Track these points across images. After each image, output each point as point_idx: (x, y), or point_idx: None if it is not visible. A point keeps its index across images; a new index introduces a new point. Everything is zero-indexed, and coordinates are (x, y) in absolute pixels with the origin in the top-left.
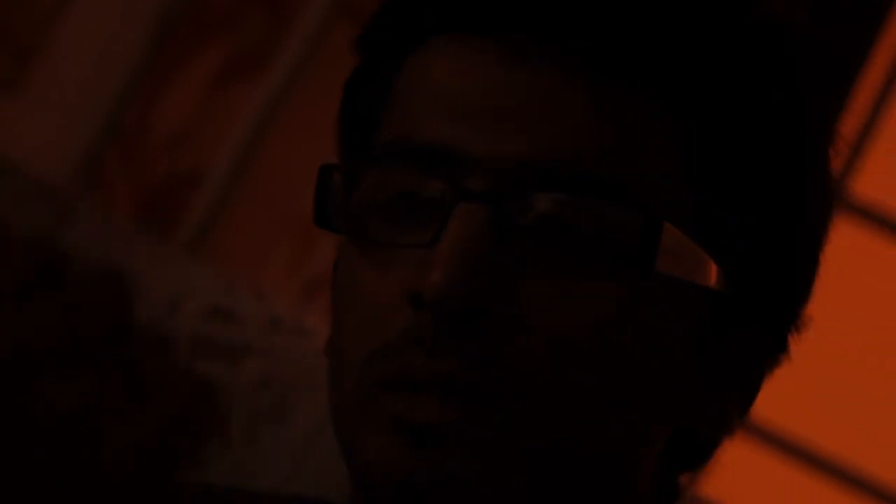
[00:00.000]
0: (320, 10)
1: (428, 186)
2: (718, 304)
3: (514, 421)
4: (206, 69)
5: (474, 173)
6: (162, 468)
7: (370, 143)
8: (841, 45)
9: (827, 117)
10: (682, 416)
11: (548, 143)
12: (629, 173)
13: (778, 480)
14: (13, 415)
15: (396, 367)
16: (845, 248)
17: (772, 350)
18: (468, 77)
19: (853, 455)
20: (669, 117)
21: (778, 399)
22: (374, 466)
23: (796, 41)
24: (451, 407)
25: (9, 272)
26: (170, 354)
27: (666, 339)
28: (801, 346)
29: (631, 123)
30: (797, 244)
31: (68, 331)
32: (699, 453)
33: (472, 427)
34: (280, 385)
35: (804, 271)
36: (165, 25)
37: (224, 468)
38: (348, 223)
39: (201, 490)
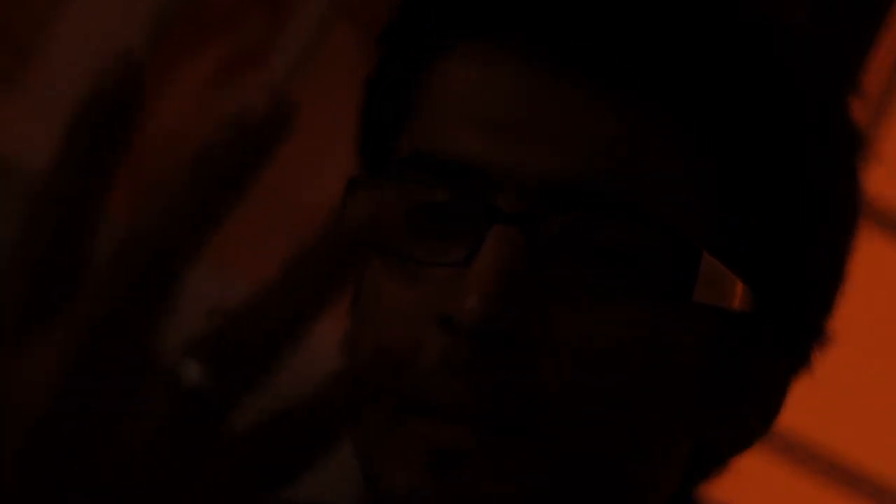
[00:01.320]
0: (320, 9)
1: (457, 202)
2: (744, 324)
3: (543, 450)
4: (206, 68)
5: (506, 191)
6: None
7: (393, 150)
8: (841, 45)
9: (847, 128)
10: (706, 435)
11: (581, 163)
12: (662, 196)
13: (780, 481)
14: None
15: (424, 389)
16: None
17: (795, 365)
18: (498, 90)
19: (852, 454)
20: (694, 137)
21: None
22: (395, 489)
23: (816, 55)
24: (478, 434)
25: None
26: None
27: (694, 363)
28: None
29: (661, 144)
30: (820, 257)
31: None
32: (717, 467)
33: (498, 455)
34: (280, 386)
35: (828, 285)
36: (164, 25)
37: None
38: (372, 236)
39: None
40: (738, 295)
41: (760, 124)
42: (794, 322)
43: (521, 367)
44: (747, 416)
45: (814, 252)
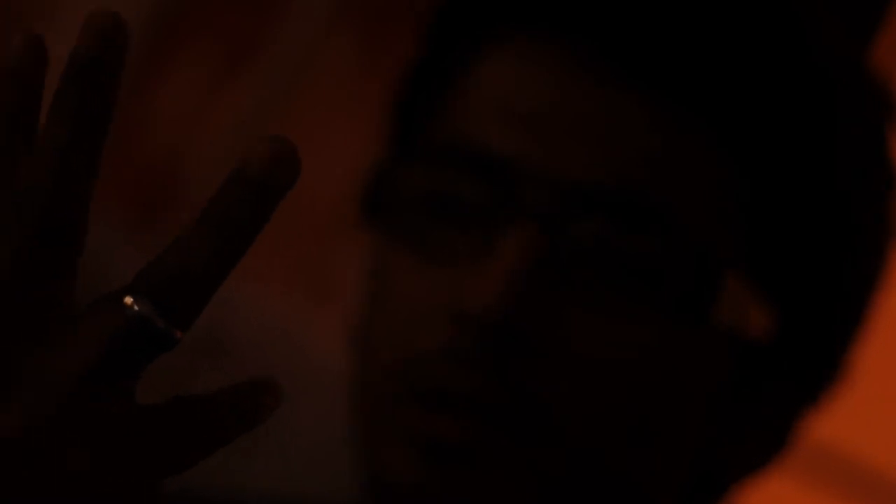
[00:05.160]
0: (318, 10)
1: (483, 194)
2: (762, 353)
3: (542, 449)
4: (204, 66)
5: (532, 189)
6: None
7: (425, 136)
8: (876, 74)
9: (884, 161)
10: (713, 455)
11: (611, 167)
12: (691, 210)
13: (782, 482)
14: None
15: (430, 380)
16: None
17: (808, 400)
18: (536, 89)
19: (845, 442)
20: (731, 158)
21: None
22: (391, 478)
23: (858, 84)
24: (478, 428)
25: None
26: None
27: (704, 382)
28: None
29: (696, 159)
30: (847, 297)
31: None
32: (724, 490)
33: (497, 451)
34: (281, 378)
35: (851, 324)
36: (161, 22)
37: (225, 470)
38: (392, 219)
39: (202, 498)
40: (760, 320)
41: (799, 153)
42: (814, 356)
43: (527, 368)
44: (756, 442)
45: (841, 287)
